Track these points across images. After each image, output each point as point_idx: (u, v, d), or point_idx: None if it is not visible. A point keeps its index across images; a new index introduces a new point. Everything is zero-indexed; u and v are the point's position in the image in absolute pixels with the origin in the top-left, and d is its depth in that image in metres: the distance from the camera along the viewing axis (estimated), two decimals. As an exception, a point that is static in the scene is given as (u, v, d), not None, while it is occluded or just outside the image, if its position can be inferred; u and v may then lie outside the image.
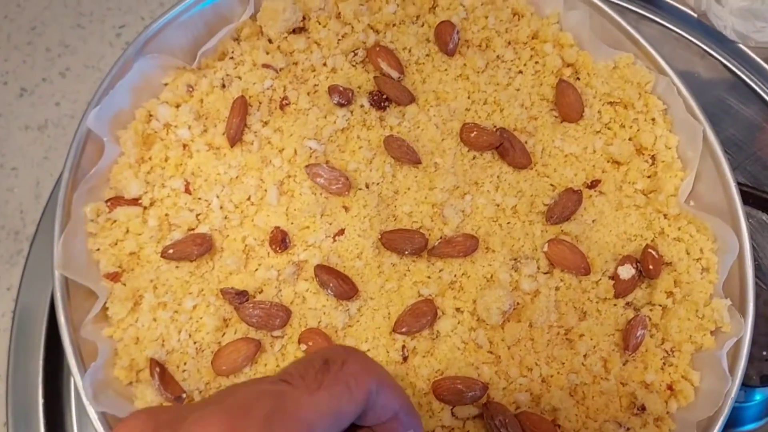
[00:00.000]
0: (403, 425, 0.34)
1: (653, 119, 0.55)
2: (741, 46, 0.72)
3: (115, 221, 0.49)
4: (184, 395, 0.45)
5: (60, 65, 0.70)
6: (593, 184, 0.54)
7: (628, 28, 0.56)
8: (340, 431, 0.31)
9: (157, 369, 0.45)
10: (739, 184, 0.62)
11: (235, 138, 0.52)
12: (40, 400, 0.56)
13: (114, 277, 0.48)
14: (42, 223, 0.61)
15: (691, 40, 0.74)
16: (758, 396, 0.60)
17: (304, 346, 0.47)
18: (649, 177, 0.54)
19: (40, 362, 0.57)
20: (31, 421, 0.55)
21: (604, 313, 0.50)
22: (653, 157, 0.55)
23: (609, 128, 0.55)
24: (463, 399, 0.46)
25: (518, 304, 0.50)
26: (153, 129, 0.52)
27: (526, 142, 0.54)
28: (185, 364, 0.47)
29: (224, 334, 0.48)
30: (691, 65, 0.75)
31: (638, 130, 0.55)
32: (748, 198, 0.66)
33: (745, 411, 0.61)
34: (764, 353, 0.57)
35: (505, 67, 0.57)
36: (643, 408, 0.47)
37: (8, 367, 0.57)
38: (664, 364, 0.49)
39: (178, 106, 0.53)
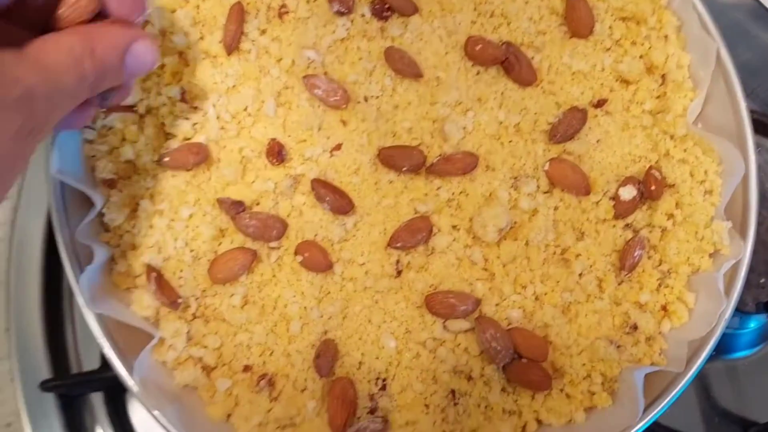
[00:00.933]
0: None
1: (666, 36, 0.53)
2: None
3: (111, 128, 0.49)
4: (180, 300, 0.45)
5: None
6: (600, 104, 0.52)
7: (645, -62, 0.53)
8: None
9: (154, 274, 0.45)
10: (751, 111, 0.61)
11: (232, 46, 0.50)
12: (39, 307, 0.58)
13: (111, 184, 0.48)
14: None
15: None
16: (753, 323, 0.60)
17: (300, 258, 0.47)
18: (658, 97, 0.53)
19: (39, 267, 0.57)
20: (31, 328, 0.57)
21: (602, 233, 0.50)
22: (663, 77, 0.53)
23: (620, 45, 0.53)
24: (455, 313, 0.47)
25: (515, 222, 0.49)
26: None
27: (532, 58, 0.52)
28: (182, 271, 0.47)
29: (221, 243, 0.48)
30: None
31: (650, 48, 0.53)
32: (758, 126, 0.64)
33: (739, 338, 0.62)
34: (762, 280, 0.57)
35: (514, -23, 0.54)
36: (635, 327, 0.48)
37: (8, 274, 0.58)
38: (659, 285, 0.49)
39: (174, 12, 0.51)
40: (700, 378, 0.62)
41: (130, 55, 0.36)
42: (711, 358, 0.61)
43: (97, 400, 0.57)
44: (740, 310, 0.57)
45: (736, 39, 0.69)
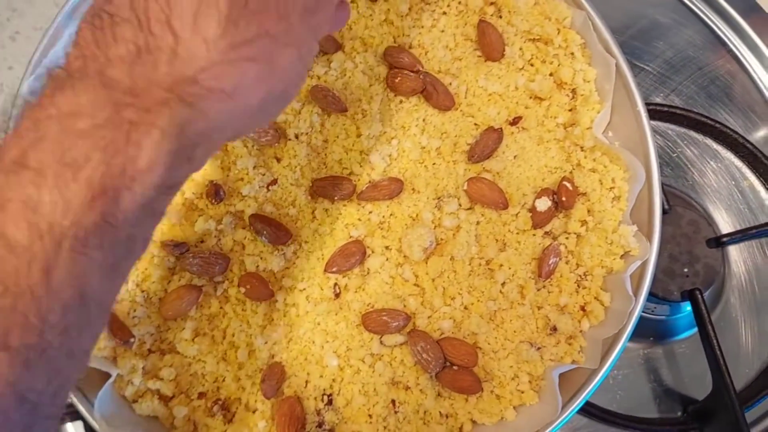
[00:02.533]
0: None
1: (572, 53, 0.56)
2: (681, -34, 0.72)
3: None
4: (132, 339, 0.50)
5: (9, 29, 0.71)
6: (515, 121, 0.56)
7: (547, -38, 0.56)
8: None
9: (107, 317, 0.49)
10: (672, 106, 0.65)
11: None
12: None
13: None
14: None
15: (633, -37, 0.74)
16: (687, 308, 0.64)
17: (243, 289, 0.51)
18: (570, 110, 0.57)
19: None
20: None
21: (523, 243, 0.54)
22: (573, 91, 0.57)
23: (531, 65, 0.57)
24: (389, 329, 0.51)
25: (441, 239, 0.53)
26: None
27: (450, 84, 0.56)
28: (135, 311, 0.51)
29: (170, 281, 0.52)
30: (635, -13, 0.75)
31: (558, 65, 0.56)
32: (683, 120, 0.68)
33: (676, 323, 0.66)
34: (685, 270, 0.61)
35: (429, 9, 0.58)
36: (555, 329, 0.52)
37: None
38: (578, 287, 0.53)
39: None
40: (645, 363, 0.66)
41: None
42: (651, 344, 0.66)
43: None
44: (668, 300, 0.61)
45: (658, 37, 0.73)
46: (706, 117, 0.68)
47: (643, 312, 0.51)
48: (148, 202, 0.29)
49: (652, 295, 0.60)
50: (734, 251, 0.68)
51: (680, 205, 0.64)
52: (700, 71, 0.72)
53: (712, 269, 0.61)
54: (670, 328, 0.65)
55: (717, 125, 0.68)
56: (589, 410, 0.61)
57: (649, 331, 0.65)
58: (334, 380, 0.51)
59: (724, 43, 0.73)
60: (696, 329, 0.64)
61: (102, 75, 0.28)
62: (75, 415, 0.56)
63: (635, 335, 0.51)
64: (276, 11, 0.31)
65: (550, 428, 0.48)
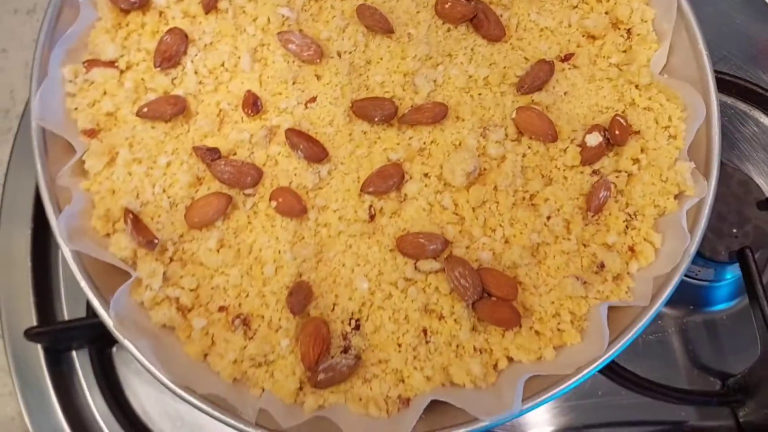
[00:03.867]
0: None
1: (630, -9, 0.54)
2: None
3: (92, 83, 0.51)
4: (156, 240, 0.47)
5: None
6: (567, 58, 0.54)
7: None
8: None
9: (131, 215, 0.46)
10: (722, 73, 0.63)
11: (209, 5, 0.52)
12: (29, 270, 0.59)
13: (91, 133, 0.49)
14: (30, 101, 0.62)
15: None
16: (729, 275, 0.61)
17: (274, 203, 0.49)
18: (624, 51, 0.54)
19: (29, 231, 0.59)
20: (19, 278, 0.58)
21: (570, 179, 0.51)
22: (629, 31, 0.55)
23: (585, 2, 0.55)
24: (425, 252, 0.48)
25: (485, 168, 0.51)
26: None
27: (501, 15, 0.54)
28: (159, 216, 0.48)
29: (197, 190, 0.49)
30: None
31: (615, 3, 0.55)
32: (730, 88, 0.66)
33: (717, 290, 0.63)
34: (734, 230, 0.58)
35: (483, -60, 0.56)
36: (602, 266, 0.49)
37: (-1, 234, 0.60)
38: (626, 227, 0.50)
39: (154, -26, 0.53)
40: (681, 332, 0.62)
41: None
42: (690, 311, 0.62)
43: (83, 358, 0.58)
44: (714, 260, 0.58)
45: (706, 3, 0.71)
46: (756, 84, 0.66)
47: (685, 275, 0.48)
48: None
49: (698, 255, 0.57)
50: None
51: (728, 166, 0.61)
52: (749, 41, 0.69)
53: (763, 232, 0.58)
54: (712, 296, 0.62)
55: (766, 93, 0.65)
56: (621, 374, 0.58)
57: (689, 297, 0.62)
58: (363, 304, 0.48)
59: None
60: (737, 300, 0.61)
61: None
62: (82, 333, 0.53)
63: (673, 301, 0.48)
64: None
65: (595, 365, 0.45)
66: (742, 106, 0.67)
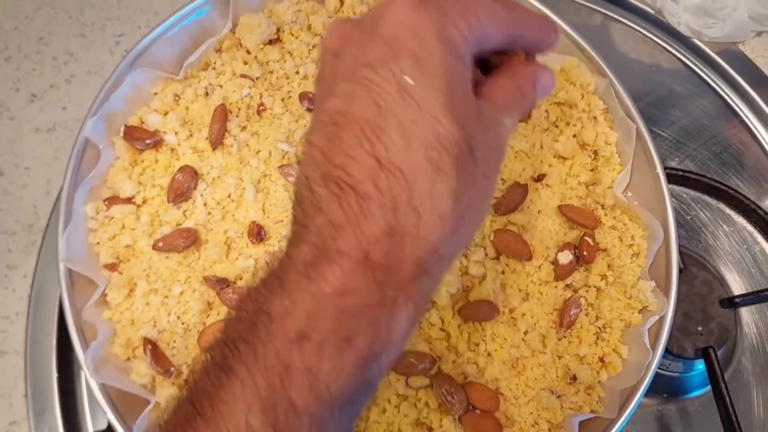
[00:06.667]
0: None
1: (595, 117, 0.60)
2: (695, 41, 0.77)
3: (112, 218, 0.56)
4: (172, 368, 0.52)
5: (66, 72, 0.76)
6: (539, 178, 0.59)
7: (573, 34, 0.61)
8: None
9: (149, 346, 0.52)
10: (687, 171, 0.68)
11: (216, 142, 0.58)
12: (55, 374, 0.64)
13: (112, 267, 0.55)
14: (53, 216, 0.68)
15: (650, 37, 0.79)
16: (700, 366, 0.66)
17: (277, 326, 0.54)
18: (591, 170, 0.60)
19: (54, 340, 0.64)
20: (47, 393, 0.63)
21: (545, 294, 0.56)
22: (595, 152, 0.60)
23: (556, 126, 0.61)
24: (415, 371, 0.53)
25: (467, 286, 0.56)
26: (144, 135, 0.59)
27: (479, 141, 0.60)
28: (174, 342, 0.54)
29: (208, 315, 0.55)
30: (652, 59, 0.80)
31: (582, 128, 0.60)
32: (697, 185, 0.72)
33: (689, 380, 0.68)
34: (699, 328, 0.63)
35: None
36: (574, 378, 0.54)
37: (26, 344, 0.65)
38: (597, 339, 0.55)
39: (166, 114, 0.59)
40: (658, 418, 0.67)
41: (539, 84, 0.39)
42: (665, 400, 0.67)
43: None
44: (681, 356, 0.63)
45: (675, 106, 0.77)
46: (720, 182, 0.71)
47: (658, 369, 0.53)
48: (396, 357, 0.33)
49: (667, 352, 0.62)
50: (746, 313, 0.70)
51: (694, 265, 0.66)
52: (714, 139, 0.75)
53: (725, 329, 0.63)
54: (684, 385, 0.67)
55: (730, 191, 0.71)
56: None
57: (663, 387, 0.66)
58: (359, 419, 0.53)
59: (736, 114, 0.76)
60: (708, 388, 0.66)
61: (365, 255, 0.31)
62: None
63: (649, 391, 0.52)
64: (484, 174, 0.34)
65: (569, 475, 0.50)
66: (708, 199, 0.73)
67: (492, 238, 0.57)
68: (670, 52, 0.77)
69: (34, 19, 0.79)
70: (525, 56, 0.40)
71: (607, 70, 0.60)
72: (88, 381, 0.58)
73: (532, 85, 0.39)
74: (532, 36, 0.39)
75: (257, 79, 0.61)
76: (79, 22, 0.79)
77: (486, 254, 0.57)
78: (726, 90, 0.77)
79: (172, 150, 0.59)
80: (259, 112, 0.60)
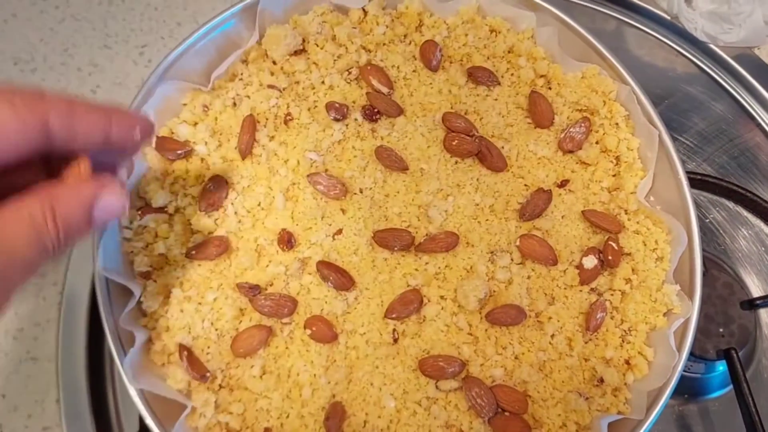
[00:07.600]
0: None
1: (617, 124, 0.61)
2: (711, 45, 0.78)
3: (146, 227, 0.57)
4: (208, 374, 0.53)
5: (90, 83, 0.78)
6: (563, 184, 0.61)
7: (595, 42, 0.62)
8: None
9: (185, 353, 0.53)
10: (705, 175, 0.69)
11: (245, 152, 0.59)
12: (86, 380, 0.65)
13: (146, 275, 0.56)
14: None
15: (666, 42, 0.80)
16: (720, 367, 0.67)
17: (308, 331, 0.55)
18: (613, 176, 0.61)
19: (84, 346, 0.66)
20: (78, 398, 0.64)
21: (570, 298, 0.57)
22: (617, 158, 0.61)
23: (577, 135, 0.62)
24: (445, 374, 0.54)
25: (494, 291, 0.57)
26: (175, 145, 0.60)
27: (502, 147, 0.61)
28: (209, 348, 0.55)
29: (241, 321, 0.56)
30: (668, 63, 0.81)
31: (604, 134, 0.61)
32: (715, 188, 0.73)
33: (709, 381, 0.68)
34: (720, 330, 0.64)
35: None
36: (602, 380, 0.55)
37: (57, 351, 0.66)
38: (622, 341, 0.56)
39: (195, 125, 0.61)
40: (679, 418, 0.68)
41: (98, 209, 0.35)
42: (686, 400, 0.68)
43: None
44: (703, 358, 0.64)
45: (691, 110, 0.78)
46: (737, 186, 0.72)
47: None
48: None
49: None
50: (766, 315, 0.71)
51: (714, 268, 0.67)
52: (731, 142, 0.76)
53: (746, 330, 0.64)
54: (705, 386, 0.68)
55: (748, 194, 0.72)
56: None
57: (684, 388, 0.67)
58: (390, 421, 0.54)
59: (752, 117, 0.77)
60: (729, 388, 0.67)
61: None
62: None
63: None
64: None
65: (598, 476, 0.51)
66: (726, 202, 0.74)
67: (518, 243, 0.58)
68: (686, 57, 0.78)
69: (58, 31, 0.80)
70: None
71: (628, 77, 0.61)
72: (117, 386, 0.60)
73: (81, 209, 0.33)
74: (95, 133, 0.33)
75: (284, 89, 0.62)
76: (103, 33, 0.80)
77: (512, 259, 0.58)
78: (742, 94, 0.78)
79: (202, 160, 0.60)
80: (286, 122, 0.61)
